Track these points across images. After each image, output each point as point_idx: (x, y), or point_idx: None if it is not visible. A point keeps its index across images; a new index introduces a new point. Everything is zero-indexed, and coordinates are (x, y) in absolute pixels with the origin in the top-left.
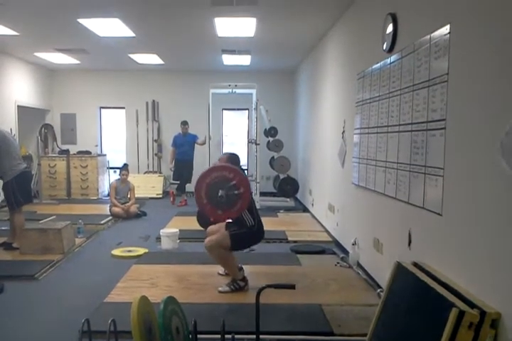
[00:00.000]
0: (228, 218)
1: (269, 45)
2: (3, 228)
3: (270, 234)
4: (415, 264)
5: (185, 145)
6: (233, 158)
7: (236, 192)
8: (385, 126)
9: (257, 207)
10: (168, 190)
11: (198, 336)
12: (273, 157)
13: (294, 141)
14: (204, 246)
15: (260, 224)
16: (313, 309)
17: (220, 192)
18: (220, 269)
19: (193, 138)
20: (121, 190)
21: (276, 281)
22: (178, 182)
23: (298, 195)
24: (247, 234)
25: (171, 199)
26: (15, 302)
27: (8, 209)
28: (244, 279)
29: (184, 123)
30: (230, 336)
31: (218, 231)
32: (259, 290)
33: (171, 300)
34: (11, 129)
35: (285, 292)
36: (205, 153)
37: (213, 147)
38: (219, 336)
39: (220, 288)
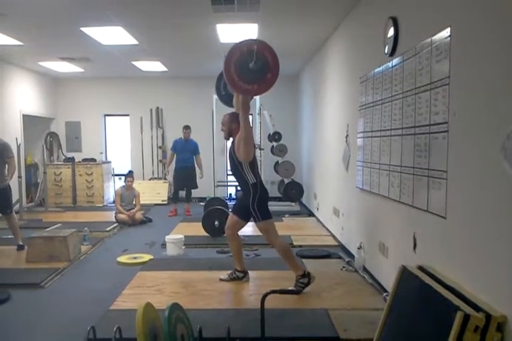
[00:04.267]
0: (269, 87)
1: None
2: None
3: None
4: (420, 268)
5: (186, 152)
6: (237, 118)
7: (259, 55)
8: (388, 130)
9: None
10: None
11: None
12: (277, 161)
13: (298, 146)
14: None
15: (261, 183)
16: (319, 314)
17: (250, 65)
18: (222, 275)
19: (195, 147)
20: (127, 196)
21: (281, 286)
22: (184, 191)
23: (303, 200)
24: (257, 202)
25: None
26: (21, 311)
27: (4, 213)
28: (243, 271)
29: (186, 128)
30: None
31: (233, 221)
32: (264, 296)
33: (175, 307)
34: (16, 138)
35: (290, 297)
36: (210, 160)
37: (217, 153)
38: None
39: (221, 276)
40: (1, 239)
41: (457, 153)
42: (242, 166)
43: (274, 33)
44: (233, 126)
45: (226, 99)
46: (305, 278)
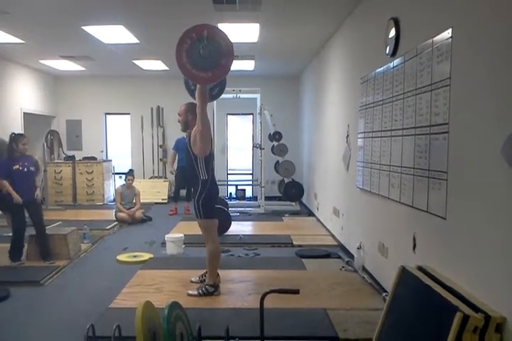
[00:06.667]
0: (225, 73)
1: (273, 50)
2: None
3: (275, 238)
4: (420, 268)
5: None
6: (192, 108)
7: (212, 41)
8: (389, 130)
9: (262, 211)
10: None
11: None
12: (278, 161)
13: (299, 145)
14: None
15: (213, 180)
16: (318, 313)
17: (201, 51)
18: (193, 277)
19: None
20: (127, 195)
21: (281, 286)
22: (185, 189)
23: (303, 199)
24: (203, 199)
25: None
26: (20, 308)
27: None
28: (214, 285)
29: None
30: None
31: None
32: (263, 295)
33: (175, 306)
34: None
35: (290, 296)
36: None
37: (218, 152)
38: None
39: (189, 291)
40: (1, 237)
41: (457, 153)
42: (197, 160)
43: (276, 33)
44: (189, 117)
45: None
46: (212, 288)
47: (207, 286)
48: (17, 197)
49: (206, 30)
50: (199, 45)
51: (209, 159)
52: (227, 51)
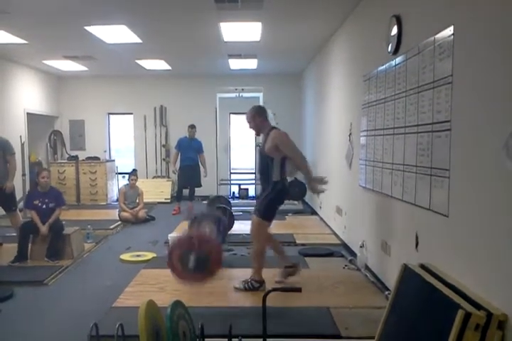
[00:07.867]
0: (213, 275)
1: (275, 49)
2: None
3: (278, 237)
4: (422, 266)
5: (190, 151)
6: (258, 110)
7: (199, 253)
8: (391, 128)
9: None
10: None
11: (205, 340)
12: None
13: (301, 144)
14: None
15: (284, 182)
16: (320, 312)
17: (190, 263)
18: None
19: (199, 145)
20: (130, 195)
21: (283, 284)
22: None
23: (306, 198)
24: (269, 199)
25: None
26: (24, 308)
27: (9, 211)
28: (259, 281)
29: (192, 127)
30: (237, 339)
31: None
32: (266, 294)
33: (178, 304)
34: (20, 136)
35: (293, 295)
36: (213, 159)
37: (220, 151)
38: (226, 340)
39: (236, 285)
40: (5, 237)
41: (460, 151)
42: (273, 162)
43: (278, 32)
44: (257, 120)
45: None
46: (258, 284)
47: (253, 281)
48: (42, 228)
49: (201, 242)
50: (191, 253)
51: (284, 162)
52: (212, 270)
